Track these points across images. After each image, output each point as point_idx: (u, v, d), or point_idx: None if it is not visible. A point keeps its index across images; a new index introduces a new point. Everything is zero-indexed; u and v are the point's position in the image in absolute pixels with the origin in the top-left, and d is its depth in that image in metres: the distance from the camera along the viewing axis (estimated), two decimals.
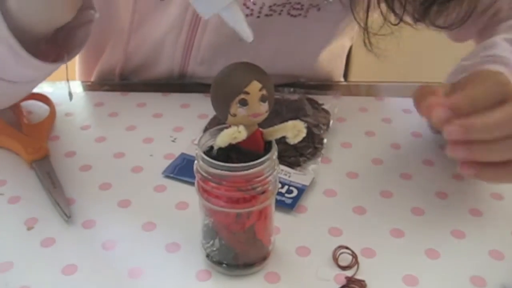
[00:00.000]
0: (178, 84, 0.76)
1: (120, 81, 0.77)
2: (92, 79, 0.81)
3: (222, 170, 0.41)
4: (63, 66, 0.59)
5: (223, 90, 0.41)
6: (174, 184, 0.57)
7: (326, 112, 0.65)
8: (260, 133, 0.43)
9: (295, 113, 0.63)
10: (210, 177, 0.42)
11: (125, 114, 0.68)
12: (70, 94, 0.61)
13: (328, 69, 0.79)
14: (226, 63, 0.42)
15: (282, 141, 0.43)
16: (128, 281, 0.46)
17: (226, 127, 0.42)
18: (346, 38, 0.80)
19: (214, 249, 0.46)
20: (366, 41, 0.62)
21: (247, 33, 0.43)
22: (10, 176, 0.58)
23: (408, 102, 0.69)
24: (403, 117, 0.68)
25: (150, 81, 0.76)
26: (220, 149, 0.42)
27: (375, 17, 0.62)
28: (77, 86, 0.77)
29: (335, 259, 0.47)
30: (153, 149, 0.62)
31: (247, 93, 0.40)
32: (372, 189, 0.56)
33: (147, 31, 0.72)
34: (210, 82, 0.42)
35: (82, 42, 0.59)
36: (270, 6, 0.66)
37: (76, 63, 0.85)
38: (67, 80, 0.62)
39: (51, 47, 0.59)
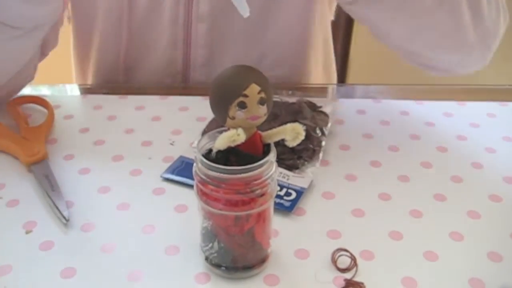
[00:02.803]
0: (176, 87, 0.76)
1: (118, 83, 0.77)
2: (92, 75, 0.81)
3: (221, 173, 0.41)
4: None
5: (221, 92, 0.41)
6: (172, 187, 0.57)
7: (325, 114, 0.66)
8: (259, 136, 0.43)
9: (294, 115, 0.63)
10: (209, 180, 0.42)
11: (123, 117, 0.68)
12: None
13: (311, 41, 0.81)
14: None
15: (280, 143, 0.43)
16: (127, 284, 0.46)
17: (225, 130, 0.42)
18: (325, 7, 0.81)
19: (213, 252, 0.46)
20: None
21: (244, 9, 0.45)
22: (8, 180, 0.58)
23: (406, 104, 0.70)
24: (401, 120, 0.68)
25: (148, 84, 0.77)
26: (219, 152, 0.42)
27: None
28: (75, 89, 0.77)
29: (334, 261, 0.47)
30: (151, 152, 0.62)
31: (246, 96, 0.40)
32: (371, 192, 0.56)
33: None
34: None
35: None
36: None
37: (72, 66, 0.86)
38: None
39: None
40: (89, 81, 0.83)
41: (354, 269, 0.47)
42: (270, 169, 0.43)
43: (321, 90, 0.74)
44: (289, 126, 0.42)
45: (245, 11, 0.45)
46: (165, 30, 0.75)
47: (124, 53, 0.77)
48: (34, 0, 0.56)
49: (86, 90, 0.76)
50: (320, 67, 0.85)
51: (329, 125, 0.64)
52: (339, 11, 0.87)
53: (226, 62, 0.77)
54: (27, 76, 0.68)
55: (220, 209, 0.43)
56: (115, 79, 0.79)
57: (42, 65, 0.70)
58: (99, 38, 0.78)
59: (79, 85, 0.80)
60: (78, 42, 0.82)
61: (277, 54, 0.78)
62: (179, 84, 0.77)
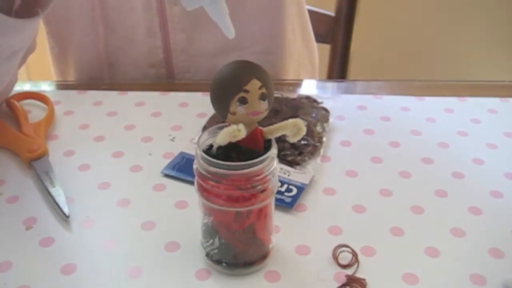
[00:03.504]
0: (176, 83, 0.76)
1: (115, 81, 0.77)
2: (75, 74, 0.81)
3: (221, 168, 0.41)
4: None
5: (222, 88, 0.41)
6: (173, 183, 0.56)
7: (326, 110, 0.66)
8: (260, 132, 0.43)
9: (295, 111, 0.63)
10: (209, 176, 0.42)
11: (123, 113, 0.68)
12: None
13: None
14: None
15: (281, 139, 0.43)
16: (128, 281, 0.46)
17: (226, 126, 0.42)
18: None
19: (214, 248, 0.46)
20: None
21: (229, 30, 0.43)
22: (8, 176, 0.58)
23: (407, 100, 0.70)
24: (402, 115, 0.68)
25: (145, 82, 0.76)
26: (219, 147, 0.42)
27: None
28: (75, 85, 0.77)
29: (335, 257, 0.47)
30: (152, 148, 0.62)
31: (247, 91, 0.40)
32: (372, 188, 0.56)
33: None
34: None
35: None
36: None
37: (50, 64, 0.85)
38: None
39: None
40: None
41: (356, 265, 0.47)
42: (271, 165, 0.42)
43: (322, 86, 0.74)
44: (290, 121, 0.42)
45: (230, 31, 0.43)
46: (140, 18, 0.74)
47: (104, 49, 0.76)
48: (9, 31, 0.55)
49: (86, 86, 0.75)
50: (299, 37, 0.85)
51: (330, 121, 0.64)
52: (340, 8, 0.87)
53: (207, 45, 0.77)
54: (13, 83, 0.67)
55: (221, 205, 0.43)
56: (100, 77, 0.79)
57: (41, 63, 0.70)
58: (76, 37, 0.78)
59: (79, 81, 0.80)
60: (55, 43, 0.81)
61: (255, 30, 0.78)
62: (179, 80, 0.77)
